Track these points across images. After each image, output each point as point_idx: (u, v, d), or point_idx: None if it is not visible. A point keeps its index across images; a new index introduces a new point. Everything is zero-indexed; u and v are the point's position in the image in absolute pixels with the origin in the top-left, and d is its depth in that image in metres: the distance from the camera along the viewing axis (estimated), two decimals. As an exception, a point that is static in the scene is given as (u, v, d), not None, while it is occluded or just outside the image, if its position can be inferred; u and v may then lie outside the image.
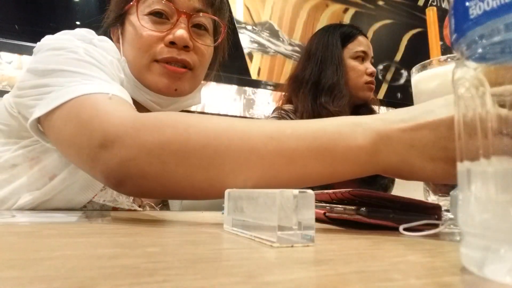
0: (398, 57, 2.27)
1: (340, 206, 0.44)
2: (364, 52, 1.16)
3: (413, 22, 2.36)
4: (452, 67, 0.48)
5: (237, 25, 1.77)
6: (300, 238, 0.26)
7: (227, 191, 0.36)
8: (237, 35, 1.76)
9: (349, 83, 1.11)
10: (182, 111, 0.74)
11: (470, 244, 0.19)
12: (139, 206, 0.69)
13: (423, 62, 0.51)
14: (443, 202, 0.46)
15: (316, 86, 1.08)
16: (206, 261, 0.19)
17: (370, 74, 1.14)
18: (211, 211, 0.68)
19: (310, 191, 0.27)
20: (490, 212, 0.18)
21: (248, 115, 1.64)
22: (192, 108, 1.53)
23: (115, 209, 0.63)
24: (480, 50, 0.19)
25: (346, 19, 2.15)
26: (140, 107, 0.68)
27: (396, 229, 0.37)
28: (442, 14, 0.90)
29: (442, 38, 0.80)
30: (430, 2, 2.42)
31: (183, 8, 0.65)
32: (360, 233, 0.35)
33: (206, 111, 1.50)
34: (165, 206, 0.79)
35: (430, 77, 0.49)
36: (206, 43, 0.69)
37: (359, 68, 1.14)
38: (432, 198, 0.48)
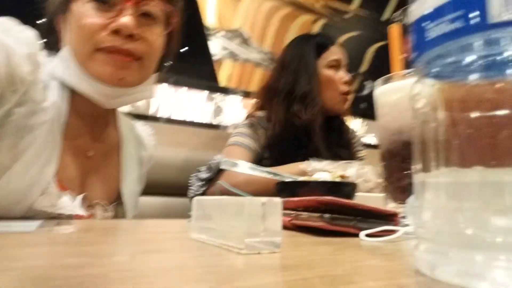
0: (363, 68, 2.35)
1: (305, 213, 0.45)
2: (337, 60, 1.16)
3: (377, 36, 2.46)
4: (412, 80, 0.51)
5: (208, 31, 1.77)
6: (267, 245, 0.27)
7: (195, 199, 0.36)
8: (208, 41, 1.76)
9: (324, 94, 1.11)
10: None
11: (423, 248, 0.21)
12: (88, 207, 0.66)
13: (386, 76, 0.54)
14: (401, 209, 0.48)
15: (289, 95, 1.08)
16: (176, 269, 0.20)
17: (346, 83, 1.13)
18: (166, 218, 0.67)
19: (277, 199, 0.28)
20: (440, 219, 0.19)
21: (216, 122, 1.64)
22: (159, 115, 1.52)
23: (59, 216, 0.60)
24: (436, 69, 0.21)
25: (315, 29, 2.21)
26: (85, 99, 0.65)
27: (358, 235, 0.38)
28: (406, 29, 0.95)
29: (406, 51, 0.85)
30: (392, 18, 2.54)
31: None
32: (324, 239, 0.36)
33: (174, 117, 1.49)
34: (119, 206, 0.74)
35: (392, 90, 0.52)
36: (155, 33, 0.65)
37: (334, 77, 1.13)
38: (392, 205, 0.50)
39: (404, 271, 0.21)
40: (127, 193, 0.75)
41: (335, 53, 1.16)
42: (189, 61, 1.57)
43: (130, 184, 0.77)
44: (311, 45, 1.15)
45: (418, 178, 0.21)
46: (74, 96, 0.67)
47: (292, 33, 2.12)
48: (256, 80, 1.92)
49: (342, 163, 0.86)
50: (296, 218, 0.45)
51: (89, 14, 0.61)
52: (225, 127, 1.66)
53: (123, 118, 0.81)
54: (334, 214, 0.41)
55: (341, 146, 1.11)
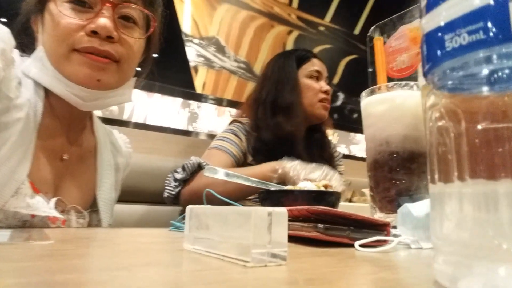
0: (335, 80, 2.41)
1: (296, 223, 0.44)
2: (318, 71, 1.21)
3: (349, 49, 2.53)
4: (399, 93, 0.51)
5: (184, 38, 1.75)
6: (273, 257, 0.26)
7: (189, 207, 0.34)
8: (184, 48, 1.74)
9: (305, 101, 1.15)
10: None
11: (443, 260, 0.20)
12: (62, 211, 0.62)
13: (372, 87, 0.55)
14: (389, 219, 0.49)
15: (273, 105, 1.11)
16: (184, 285, 0.18)
17: (325, 92, 1.18)
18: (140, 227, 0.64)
19: (283, 209, 0.27)
20: (465, 230, 0.19)
21: (191, 129, 1.61)
22: (133, 119, 1.47)
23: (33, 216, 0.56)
24: (452, 81, 0.21)
25: (290, 40, 2.24)
26: (61, 101, 0.63)
27: (351, 245, 0.38)
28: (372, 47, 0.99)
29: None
30: (361, 31, 2.62)
31: None
32: (320, 250, 0.35)
33: (148, 122, 1.45)
34: (94, 212, 0.72)
35: (378, 101, 0.53)
36: (134, 36, 0.65)
37: (314, 86, 1.17)
38: (379, 215, 0.51)
39: (422, 284, 0.20)
40: (102, 199, 0.72)
41: (315, 64, 1.22)
42: (166, 66, 1.54)
43: (106, 190, 0.74)
44: (292, 58, 1.20)
45: (435, 189, 0.21)
46: (50, 96, 0.64)
47: (267, 43, 2.14)
48: (231, 88, 1.91)
49: (312, 165, 0.88)
50: (288, 228, 0.44)
51: (66, 14, 0.59)
52: (200, 134, 1.63)
53: (99, 124, 0.79)
54: (326, 224, 0.40)
55: (323, 159, 1.14)
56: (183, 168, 0.94)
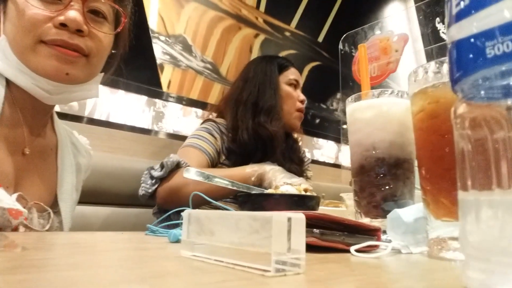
0: (299, 85, 2.45)
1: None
2: (296, 80, 1.26)
3: (313, 55, 2.59)
4: (386, 99, 0.52)
5: (152, 34, 1.69)
6: (292, 265, 0.24)
7: (186, 212, 0.32)
8: (151, 44, 1.67)
9: (284, 107, 1.17)
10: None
11: (475, 267, 0.20)
12: (24, 207, 0.58)
13: (358, 94, 0.56)
14: (374, 223, 0.49)
15: (255, 106, 1.11)
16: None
17: (301, 101, 1.23)
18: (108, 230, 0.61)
19: (301, 215, 0.25)
20: (503, 238, 0.19)
21: (156, 128, 1.56)
22: (96, 116, 1.39)
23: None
24: (488, 90, 0.21)
25: (257, 43, 2.24)
26: (23, 92, 0.60)
27: (345, 250, 0.38)
28: (345, 53, 1.02)
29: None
30: (324, 38, 2.69)
31: None
32: (321, 256, 0.35)
33: (111, 120, 1.37)
34: (55, 213, 0.67)
35: (366, 107, 0.54)
36: (103, 31, 0.64)
37: (293, 94, 1.22)
38: (364, 220, 0.51)
39: (454, 292, 0.20)
40: (63, 199, 0.69)
41: (294, 73, 1.28)
42: (131, 62, 1.47)
43: (67, 190, 0.71)
44: (274, 62, 1.24)
45: (468, 196, 0.21)
46: (11, 86, 0.61)
47: (234, 45, 2.13)
48: (197, 88, 1.87)
49: (291, 174, 0.89)
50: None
51: (33, 5, 0.57)
52: (165, 134, 1.58)
53: (60, 123, 0.76)
54: (320, 229, 0.40)
55: (294, 163, 1.15)
56: (162, 166, 0.92)
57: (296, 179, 0.84)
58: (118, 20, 0.68)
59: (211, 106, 1.59)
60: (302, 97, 1.25)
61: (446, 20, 0.24)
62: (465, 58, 0.22)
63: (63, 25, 0.57)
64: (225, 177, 0.80)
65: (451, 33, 0.23)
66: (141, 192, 0.92)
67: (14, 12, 0.58)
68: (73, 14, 0.57)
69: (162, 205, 0.94)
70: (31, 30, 0.57)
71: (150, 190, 0.91)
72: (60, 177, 0.70)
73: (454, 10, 0.23)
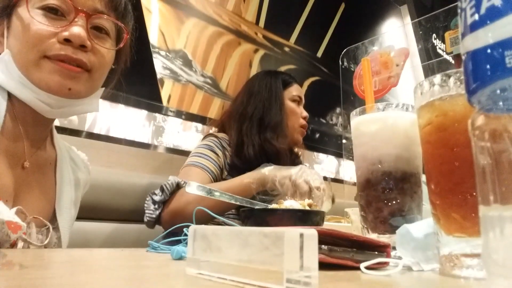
0: (299, 100, 2.45)
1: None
2: (299, 97, 1.27)
3: (312, 70, 2.60)
4: (391, 113, 0.52)
5: (152, 49, 1.70)
6: (304, 284, 0.23)
7: (192, 228, 0.31)
8: (151, 59, 1.68)
9: (288, 124, 1.17)
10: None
11: (499, 285, 0.19)
12: (23, 222, 0.57)
13: (362, 107, 0.55)
14: (383, 239, 0.48)
15: (260, 121, 1.10)
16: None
17: (304, 118, 1.24)
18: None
19: (313, 231, 0.24)
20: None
21: (156, 143, 1.55)
22: (95, 131, 1.38)
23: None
24: (504, 101, 0.20)
25: (256, 59, 2.26)
26: (25, 105, 0.60)
27: (355, 267, 0.37)
28: (345, 68, 1.02)
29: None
30: (323, 54, 2.71)
31: (82, 6, 0.61)
32: (331, 273, 0.33)
33: (111, 134, 1.36)
34: (53, 229, 0.66)
35: (371, 121, 0.53)
36: (106, 46, 0.65)
37: (297, 110, 1.22)
38: (372, 236, 0.50)
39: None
40: (62, 215, 0.68)
41: (297, 90, 1.28)
42: (131, 77, 1.48)
43: (66, 206, 0.70)
44: (278, 78, 1.24)
45: (490, 211, 0.20)
46: (13, 100, 0.61)
47: (234, 60, 2.14)
48: (197, 103, 1.87)
49: (274, 166, 0.90)
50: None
51: (38, 20, 0.58)
52: (166, 149, 1.57)
53: (59, 138, 0.76)
54: (328, 245, 0.39)
55: None
56: (162, 189, 0.91)
57: (295, 169, 0.85)
58: (119, 36, 0.70)
59: (211, 121, 1.59)
60: (304, 113, 1.25)
61: (460, 30, 0.24)
62: (482, 69, 0.21)
63: (67, 41, 0.58)
64: (225, 190, 0.80)
65: (466, 43, 0.23)
66: (145, 219, 0.91)
67: (19, 27, 0.59)
68: (77, 30, 0.59)
69: (168, 228, 0.92)
70: (35, 45, 0.58)
71: (154, 216, 0.90)
72: (58, 192, 0.69)
73: (469, 20, 0.22)
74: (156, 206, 0.90)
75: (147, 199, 0.91)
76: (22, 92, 0.59)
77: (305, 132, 1.26)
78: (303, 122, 1.24)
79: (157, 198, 0.89)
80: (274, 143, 1.05)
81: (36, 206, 0.64)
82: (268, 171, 0.88)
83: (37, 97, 0.59)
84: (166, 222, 0.90)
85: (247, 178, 0.90)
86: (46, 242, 0.61)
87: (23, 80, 0.58)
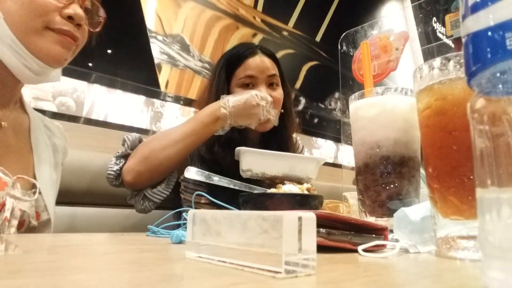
0: (297, 85, 2.44)
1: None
2: (251, 76, 0.98)
3: (311, 55, 2.58)
4: (390, 97, 0.51)
5: (149, 34, 1.67)
6: (303, 266, 0.24)
7: (191, 212, 0.31)
8: (149, 44, 1.66)
9: None
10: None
11: (495, 266, 0.20)
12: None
13: (361, 91, 0.55)
14: (380, 222, 0.49)
15: None
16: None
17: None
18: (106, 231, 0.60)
19: (312, 214, 0.25)
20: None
21: (155, 129, 1.54)
22: (93, 117, 1.37)
23: None
24: (504, 84, 0.20)
25: (254, 43, 2.23)
26: (2, 67, 0.62)
27: (353, 250, 0.37)
28: (344, 52, 0.99)
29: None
30: (321, 38, 2.69)
31: None
32: (329, 256, 0.34)
33: (109, 120, 1.36)
34: (39, 194, 0.66)
35: (369, 105, 0.53)
36: (87, 25, 0.71)
37: None
38: (370, 219, 0.51)
39: (474, 293, 0.19)
40: (42, 180, 0.69)
41: (249, 67, 0.98)
42: (129, 62, 1.46)
43: (45, 170, 0.72)
44: (224, 63, 1.02)
45: (487, 193, 0.20)
46: None
47: (232, 44, 2.12)
48: (195, 88, 1.86)
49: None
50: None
51: None
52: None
53: (30, 105, 0.78)
54: (327, 229, 0.39)
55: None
56: (123, 143, 0.87)
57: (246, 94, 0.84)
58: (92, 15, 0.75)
59: (194, 102, 1.45)
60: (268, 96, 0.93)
61: (461, 12, 0.23)
62: (483, 51, 0.21)
63: (69, 18, 0.64)
64: (180, 131, 0.82)
65: (467, 25, 0.22)
66: (109, 176, 0.85)
67: None
68: (79, 10, 0.64)
69: (132, 184, 0.85)
70: (41, 15, 0.61)
71: (114, 169, 0.84)
72: (36, 158, 0.70)
73: (470, 2, 0.22)
74: (117, 161, 0.85)
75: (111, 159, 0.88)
76: (7, 54, 0.61)
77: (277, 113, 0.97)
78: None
79: (119, 151, 0.86)
80: (236, 136, 0.93)
81: (15, 168, 0.64)
82: (225, 101, 0.85)
83: (24, 63, 0.62)
84: (128, 174, 0.83)
85: (207, 116, 0.85)
86: (34, 197, 0.63)
87: (15, 45, 0.60)
